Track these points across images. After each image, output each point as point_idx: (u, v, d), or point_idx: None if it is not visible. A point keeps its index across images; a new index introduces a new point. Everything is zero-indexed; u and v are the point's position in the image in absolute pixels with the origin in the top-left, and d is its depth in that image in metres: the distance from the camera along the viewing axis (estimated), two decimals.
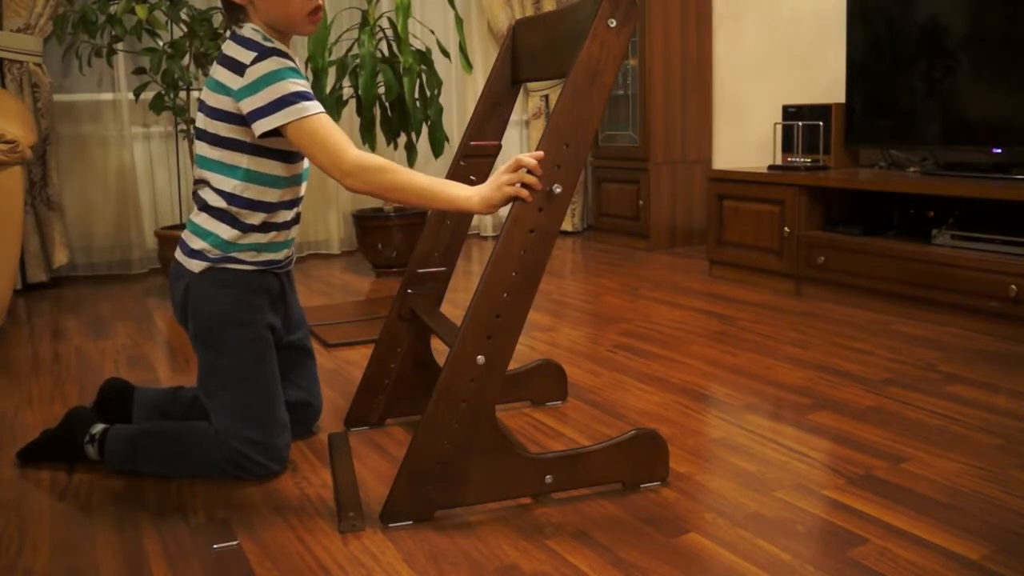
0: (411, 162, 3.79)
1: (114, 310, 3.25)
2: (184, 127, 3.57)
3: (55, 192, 3.68)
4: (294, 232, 1.76)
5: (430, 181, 1.53)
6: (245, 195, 1.63)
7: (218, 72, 1.60)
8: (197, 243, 1.67)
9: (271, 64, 1.53)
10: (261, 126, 1.53)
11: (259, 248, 1.68)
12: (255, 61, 1.54)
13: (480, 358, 1.44)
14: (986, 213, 2.67)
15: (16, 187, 2.76)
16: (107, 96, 3.90)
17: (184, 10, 3.48)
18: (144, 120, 3.96)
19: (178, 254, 1.71)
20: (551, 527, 1.45)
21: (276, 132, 1.54)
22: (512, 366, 2.01)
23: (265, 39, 1.58)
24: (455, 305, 3.10)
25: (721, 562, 1.32)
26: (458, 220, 1.90)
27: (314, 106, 1.54)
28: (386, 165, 1.52)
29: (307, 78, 1.62)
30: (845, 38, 3.26)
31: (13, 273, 2.80)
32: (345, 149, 1.52)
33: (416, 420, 1.96)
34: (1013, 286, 2.41)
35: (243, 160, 1.62)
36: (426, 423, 1.43)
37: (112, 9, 3.34)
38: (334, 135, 1.52)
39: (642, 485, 1.59)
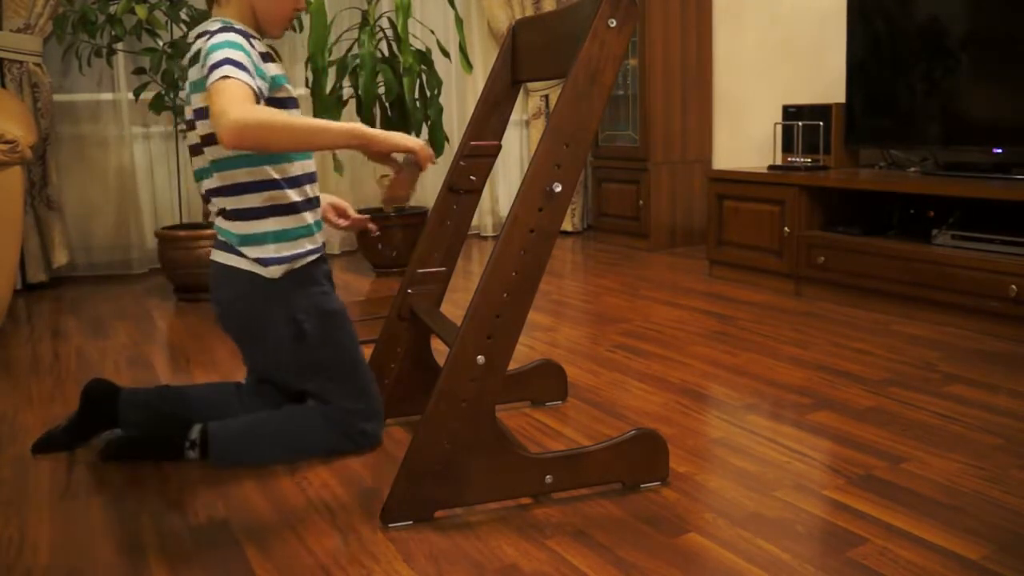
0: None
1: (114, 310, 3.25)
2: (184, 127, 3.57)
3: (55, 192, 3.68)
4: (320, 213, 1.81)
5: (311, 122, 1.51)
6: (274, 175, 1.65)
7: (191, 72, 1.62)
8: (255, 251, 1.66)
9: (217, 37, 1.52)
10: (196, 100, 1.56)
11: (309, 231, 1.71)
12: (208, 41, 1.53)
13: (480, 358, 1.44)
14: (986, 213, 2.67)
15: (16, 187, 2.76)
16: (107, 96, 3.89)
17: (184, 10, 3.47)
18: (144, 120, 3.96)
19: (239, 262, 1.68)
20: (551, 527, 1.45)
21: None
22: (512, 366, 2.01)
23: (224, 24, 1.57)
24: (455, 305, 3.10)
25: (721, 562, 1.32)
26: (458, 220, 1.90)
27: (238, 72, 1.44)
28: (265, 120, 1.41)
29: (270, 58, 1.61)
30: (845, 38, 3.26)
31: (13, 273, 2.80)
32: (237, 105, 1.39)
33: (416, 420, 1.96)
34: (1013, 286, 2.41)
35: None
36: (426, 423, 1.43)
37: (112, 9, 3.34)
38: (238, 92, 1.41)
39: (642, 485, 1.59)
